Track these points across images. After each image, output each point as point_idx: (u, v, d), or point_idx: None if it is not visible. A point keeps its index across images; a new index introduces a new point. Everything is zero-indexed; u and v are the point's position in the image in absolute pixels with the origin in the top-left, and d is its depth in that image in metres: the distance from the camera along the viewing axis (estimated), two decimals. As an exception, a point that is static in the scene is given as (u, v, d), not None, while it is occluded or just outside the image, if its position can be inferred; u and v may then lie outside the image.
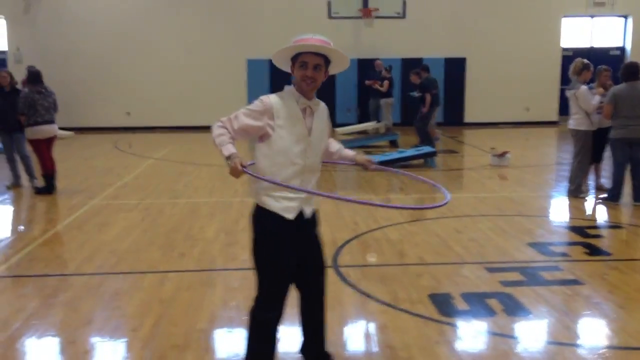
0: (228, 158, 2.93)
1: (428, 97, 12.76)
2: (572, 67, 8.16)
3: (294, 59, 3.05)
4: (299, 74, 3.02)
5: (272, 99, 3.04)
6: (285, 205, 3.06)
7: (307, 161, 3.09)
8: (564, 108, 18.29)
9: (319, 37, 3.01)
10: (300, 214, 3.12)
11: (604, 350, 3.83)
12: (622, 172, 7.68)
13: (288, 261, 3.13)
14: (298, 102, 3.06)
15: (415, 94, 13.12)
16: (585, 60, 8.15)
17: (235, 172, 2.92)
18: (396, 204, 4.77)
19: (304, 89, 3.04)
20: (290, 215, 3.07)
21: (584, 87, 7.96)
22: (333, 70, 3.15)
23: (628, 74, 7.61)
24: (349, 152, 3.49)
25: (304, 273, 3.27)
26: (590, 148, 8.11)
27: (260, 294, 3.17)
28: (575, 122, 8.12)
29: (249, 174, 2.96)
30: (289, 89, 3.10)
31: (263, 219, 3.09)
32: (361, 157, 3.50)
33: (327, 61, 3.06)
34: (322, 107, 3.20)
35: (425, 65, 13.91)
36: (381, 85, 15.35)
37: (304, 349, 3.51)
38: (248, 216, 3.24)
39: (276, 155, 3.01)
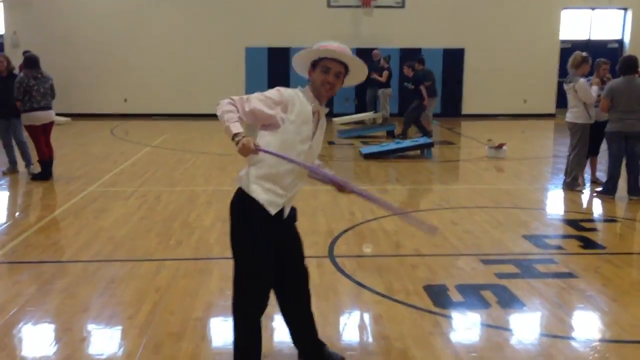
0: (236, 135, 2.85)
1: (423, 89, 12.77)
2: (570, 60, 8.15)
3: (315, 63, 3.07)
4: (319, 78, 3.04)
5: (289, 92, 3.04)
6: (271, 199, 3.03)
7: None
8: (561, 100, 18.36)
9: (344, 46, 3.05)
10: (280, 213, 3.10)
11: (597, 343, 3.87)
12: (617, 165, 7.70)
13: (269, 253, 3.10)
14: (311, 104, 3.07)
15: (410, 85, 13.11)
16: (584, 53, 8.15)
17: (247, 150, 2.83)
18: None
19: (322, 94, 3.07)
20: (273, 210, 3.04)
21: (582, 80, 7.96)
22: (349, 81, 3.17)
23: (625, 68, 7.63)
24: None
25: (285, 267, 3.27)
26: (587, 141, 8.13)
27: (242, 286, 3.13)
28: (573, 115, 8.13)
29: (265, 151, 2.89)
30: (303, 89, 3.11)
31: (247, 207, 3.04)
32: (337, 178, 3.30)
33: (346, 70, 3.09)
34: (324, 117, 3.22)
35: (421, 58, 13.91)
36: (380, 75, 15.32)
37: (297, 341, 3.50)
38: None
39: (278, 148, 2.98)
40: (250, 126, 3.05)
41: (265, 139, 3.01)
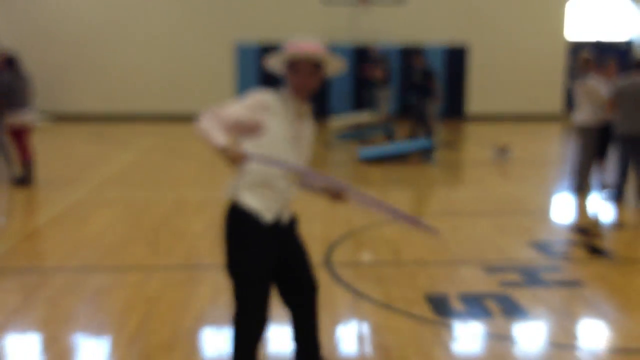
0: (222, 148, 2.82)
1: (432, 83, 12.85)
2: (577, 61, 8.26)
3: (288, 63, 3.07)
4: (293, 80, 3.06)
5: (268, 96, 3.06)
6: (266, 205, 3.06)
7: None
8: (568, 101, 18.45)
9: (313, 41, 3.04)
10: (278, 220, 3.13)
11: (603, 353, 3.94)
12: (625, 169, 7.78)
13: (266, 266, 3.11)
14: (292, 105, 3.10)
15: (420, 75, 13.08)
16: (590, 53, 8.26)
17: (238, 159, 2.83)
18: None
19: (297, 94, 3.08)
20: (269, 215, 3.07)
21: (593, 80, 8.06)
22: (329, 72, 3.18)
23: (632, 66, 7.75)
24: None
25: (291, 281, 3.29)
26: (595, 144, 8.21)
27: (242, 301, 3.13)
28: (581, 116, 8.22)
29: (256, 157, 2.90)
30: (283, 90, 3.13)
31: (241, 220, 3.07)
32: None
33: (320, 64, 3.08)
34: (308, 115, 3.23)
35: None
36: (375, 68, 15.32)
37: (298, 356, 3.49)
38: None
39: (265, 153, 3.00)
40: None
41: (248, 147, 3.01)
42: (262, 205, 3.06)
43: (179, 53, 17.59)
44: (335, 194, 3.25)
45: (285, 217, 3.19)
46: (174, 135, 14.52)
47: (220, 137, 2.84)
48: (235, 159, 2.83)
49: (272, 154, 2.99)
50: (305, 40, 3.04)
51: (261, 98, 3.03)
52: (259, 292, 3.12)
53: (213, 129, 2.87)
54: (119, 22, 17.44)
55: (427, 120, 13.21)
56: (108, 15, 17.39)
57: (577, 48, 18.52)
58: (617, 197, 7.84)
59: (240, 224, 3.07)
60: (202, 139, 2.90)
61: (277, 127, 3.03)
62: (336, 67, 3.16)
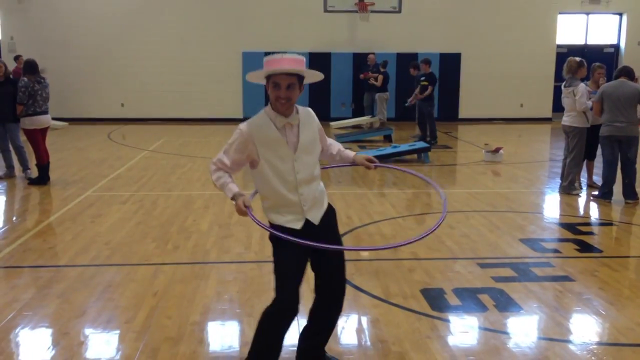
0: (232, 199, 3.09)
1: (430, 90, 12.87)
2: (566, 66, 8.20)
3: (267, 79, 3.07)
4: (273, 95, 3.05)
5: (249, 127, 3.09)
6: (288, 219, 3.15)
7: (299, 176, 3.11)
8: (557, 105, 18.40)
9: (290, 56, 3.04)
10: (308, 222, 3.16)
11: (594, 346, 3.87)
12: (612, 169, 7.72)
13: (293, 264, 3.14)
14: (276, 122, 3.08)
15: (424, 82, 13.09)
16: (578, 58, 8.21)
17: (241, 212, 3.07)
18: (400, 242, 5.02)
19: (280, 109, 3.07)
20: (297, 226, 3.14)
21: (582, 85, 8.01)
22: (308, 81, 3.18)
23: (618, 73, 7.71)
24: (349, 153, 3.47)
25: (322, 277, 3.31)
26: (584, 145, 8.15)
27: (275, 294, 3.19)
28: (570, 118, 8.16)
29: (252, 218, 3.05)
30: (264, 110, 3.13)
31: (274, 226, 3.18)
32: (360, 157, 3.44)
33: (300, 78, 3.08)
34: (306, 116, 3.19)
35: (426, 60, 13.92)
36: (375, 80, 15.36)
37: (304, 339, 3.47)
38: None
39: (268, 178, 3.10)
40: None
41: (256, 176, 3.19)
42: (285, 220, 3.16)
43: (190, 61, 17.59)
44: (365, 163, 3.41)
45: (316, 217, 3.20)
46: (184, 137, 14.48)
47: (228, 188, 3.13)
48: (238, 212, 3.09)
49: (277, 176, 3.10)
50: (284, 56, 3.04)
51: (242, 132, 3.10)
52: (287, 285, 3.14)
53: (223, 181, 3.16)
54: (134, 31, 17.46)
55: (433, 121, 13.24)
56: (123, 25, 17.39)
57: (566, 53, 18.53)
58: (606, 195, 7.78)
59: (275, 229, 3.15)
60: (218, 189, 3.21)
61: (267, 153, 3.09)
62: (314, 77, 3.19)
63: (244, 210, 3.04)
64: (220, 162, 3.16)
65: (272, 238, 3.21)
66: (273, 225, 3.18)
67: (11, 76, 9.27)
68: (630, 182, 7.67)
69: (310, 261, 3.27)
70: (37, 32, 17.28)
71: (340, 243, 3.42)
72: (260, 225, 3.05)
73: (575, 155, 8.16)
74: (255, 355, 3.25)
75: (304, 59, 3.08)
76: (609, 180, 7.75)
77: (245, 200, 3.06)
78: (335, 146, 3.47)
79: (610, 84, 7.68)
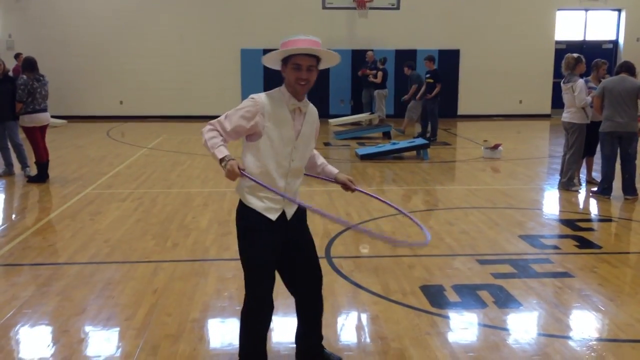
0: (222, 160, 2.89)
1: (438, 87, 12.98)
2: (564, 63, 8.21)
3: (285, 60, 3.01)
4: (292, 76, 2.99)
5: (263, 98, 3.01)
6: (268, 206, 3.07)
7: (293, 164, 3.09)
8: (556, 101, 18.40)
9: (310, 38, 2.98)
10: (283, 215, 3.12)
11: (593, 342, 3.87)
12: (611, 165, 7.72)
13: (269, 256, 3.11)
14: (288, 103, 3.03)
15: (429, 79, 13.17)
16: (576, 54, 8.21)
17: (232, 175, 2.87)
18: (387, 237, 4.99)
19: (298, 90, 3.02)
20: (272, 216, 3.08)
21: (581, 80, 8.01)
22: (322, 66, 3.13)
23: (619, 68, 7.70)
24: (332, 169, 3.39)
25: (297, 272, 3.28)
26: (583, 142, 8.15)
27: (247, 290, 3.17)
28: (570, 115, 8.15)
29: (247, 176, 2.93)
30: (279, 89, 3.07)
31: (246, 215, 3.10)
32: (342, 176, 3.36)
33: (317, 60, 3.04)
34: (312, 111, 3.17)
35: (431, 56, 13.91)
36: (375, 77, 15.35)
37: (299, 339, 3.50)
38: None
39: (263, 156, 3.01)
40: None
41: (249, 150, 3.05)
42: (264, 207, 3.07)
43: (189, 58, 17.57)
44: (347, 182, 3.32)
45: (290, 212, 3.16)
46: (183, 134, 14.47)
47: (219, 150, 2.92)
48: (229, 174, 2.88)
49: (273, 156, 3.01)
50: (303, 37, 2.98)
51: (256, 102, 2.99)
52: (263, 279, 3.13)
53: (214, 142, 2.94)
54: (133, 29, 17.43)
55: (435, 119, 13.30)
56: (122, 22, 17.36)
57: (565, 49, 18.52)
58: (606, 191, 7.78)
59: (247, 219, 3.10)
60: (205, 149, 2.98)
61: (273, 130, 3.00)
62: (330, 60, 3.11)
63: (236, 172, 2.85)
64: (220, 124, 2.99)
65: (242, 229, 3.12)
66: (247, 207, 3.07)
67: (10, 74, 9.25)
68: (630, 178, 7.67)
69: (281, 260, 3.21)
70: (36, 30, 17.24)
71: (312, 239, 3.35)
72: (262, 185, 2.92)
73: (574, 152, 8.16)
74: (245, 354, 3.23)
75: (320, 41, 3.01)
76: (608, 176, 7.75)
77: (239, 162, 2.90)
78: (320, 158, 3.41)
79: (611, 80, 7.67)
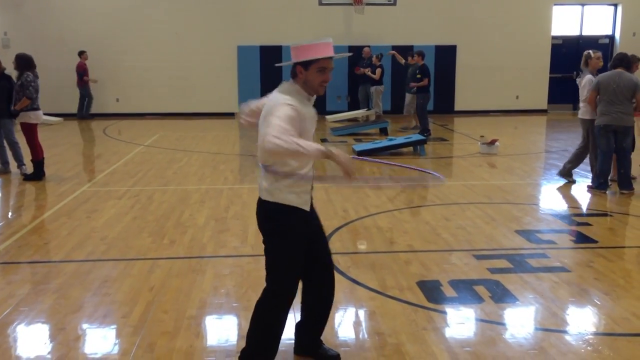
0: (326, 155, 2.89)
1: (426, 82, 12.96)
2: (583, 58, 8.28)
3: (306, 64, 3.07)
4: (318, 79, 3.09)
5: (296, 103, 3.03)
6: (305, 199, 3.20)
7: None
8: (553, 96, 18.42)
9: (330, 41, 3.13)
10: (310, 204, 3.28)
11: (590, 336, 3.88)
12: (607, 160, 7.72)
13: (302, 256, 3.25)
14: (309, 100, 3.18)
15: (418, 75, 13.15)
16: (586, 52, 8.23)
17: (350, 165, 2.95)
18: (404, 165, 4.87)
19: (320, 91, 3.14)
20: (307, 207, 3.22)
21: (588, 76, 8.02)
22: None
23: (615, 62, 7.70)
24: None
25: (317, 261, 3.37)
26: (592, 137, 8.09)
27: (275, 287, 3.24)
28: (581, 110, 8.19)
29: (376, 161, 3.04)
30: (294, 88, 3.12)
31: (285, 216, 3.15)
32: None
33: None
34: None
35: (421, 52, 13.96)
36: (373, 73, 15.35)
37: (300, 330, 3.58)
38: (259, 215, 3.28)
39: None
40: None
41: None
42: (301, 201, 3.18)
43: (186, 55, 17.52)
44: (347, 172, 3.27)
45: (312, 202, 3.32)
46: (179, 131, 14.45)
47: (317, 147, 2.87)
48: (349, 168, 2.94)
49: None
50: (324, 41, 3.11)
51: (297, 110, 3.00)
52: (298, 279, 3.29)
53: (299, 139, 2.86)
54: (129, 26, 17.36)
55: (423, 114, 13.28)
56: (118, 19, 17.30)
57: (561, 44, 18.52)
58: (602, 186, 7.78)
59: (287, 217, 3.16)
60: (292, 155, 2.88)
61: (305, 127, 3.09)
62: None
63: (352, 165, 2.93)
64: (288, 131, 2.87)
65: (281, 228, 3.15)
66: (285, 207, 3.11)
67: (7, 72, 9.22)
68: (625, 172, 7.68)
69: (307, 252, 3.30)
70: (32, 27, 17.18)
71: (322, 226, 3.50)
72: (400, 166, 2.97)
73: (582, 146, 8.17)
74: (258, 350, 3.27)
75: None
76: (603, 170, 7.75)
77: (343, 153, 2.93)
78: None
79: (607, 74, 7.66)
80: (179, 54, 17.49)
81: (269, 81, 15.97)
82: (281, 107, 2.97)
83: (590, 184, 8.07)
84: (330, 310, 3.55)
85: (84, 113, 16.99)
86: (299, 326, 3.59)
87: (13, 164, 9.27)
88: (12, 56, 9.05)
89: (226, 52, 17.50)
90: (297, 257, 3.22)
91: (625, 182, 7.70)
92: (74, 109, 17.13)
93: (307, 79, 3.10)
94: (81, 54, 16.69)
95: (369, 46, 16.37)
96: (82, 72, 16.66)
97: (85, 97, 16.97)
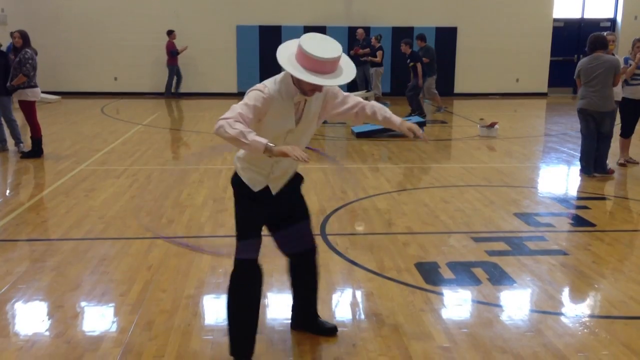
0: (266, 149, 2.77)
1: (419, 67, 12.83)
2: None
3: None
4: (309, 87, 2.96)
5: (272, 91, 2.98)
6: (254, 177, 3.17)
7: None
8: (553, 79, 18.35)
9: (334, 57, 2.90)
10: (267, 190, 3.20)
11: (586, 319, 3.90)
12: (587, 143, 7.70)
13: (255, 222, 3.23)
14: (294, 97, 3.04)
15: (408, 62, 13.12)
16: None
17: (299, 154, 2.75)
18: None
19: (306, 94, 3.01)
20: (256, 188, 3.17)
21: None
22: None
23: (591, 45, 7.59)
24: (395, 119, 3.30)
25: (288, 239, 3.38)
26: (613, 120, 8.00)
27: (236, 250, 3.26)
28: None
29: (323, 154, 3.00)
30: (286, 81, 3.03)
31: (238, 185, 3.24)
32: (405, 126, 3.27)
33: None
34: (317, 99, 3.15)
35: (422, 35, 13.89)
36: (373, 55, 15.28)
37: (295, 308, 3.64)
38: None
39: (260, 133, 2.97)
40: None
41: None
42: (249, 178, 3.18)
43: (185, 34, 17.36)
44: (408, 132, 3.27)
45: (277, 187, 3.24)
46: (178, 111, 14.39)
47: (259, 140, 2.78)
48: (297, 154, 2.74)
49: (271, 134, 2.99)
50: (322, 58, 2.86)
51: (265, 96, 2.96)
52: (249, 232, 3.23)
53: (247, 130, 2.80)
54: (127, 4, 17.20)
55: (413, 99, 13.21)
56: (113, -4, 17.15)
57: (562, 27, 18.42)
58: (584, 169, 7.77)
59: (237, 189, 3.25)
60: (234, 142, 2.82)
61: (273, 119, 3.02)
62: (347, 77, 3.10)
63: (304, 154, 2.74)
64: (242, 115, 2.86)
65: (235, 195, 3.24)
66: (238, 179, 3.21)
67: (0, 48, 9.16)
68: (600, 155, 7.68)
69: (272, 225, 3.36)
70: (29, 4, 17.02)
71: (306, 207, 3.45)
72: (330, 158, 2.94)
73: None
74: (234, 324, 3.27)
75: (341, 47, 2.98)
76: (585, 153, 7.74)
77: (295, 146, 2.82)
78: (372, 107, 3.28)
79: (586, 60, 7.60)
80: (177, 33, 17.33)
81: (268, 61, 15.88)
82: (252, 91, 2.99)
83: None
84: (317, 291, 3.60)
85: (175, 91, 16.84)
86: (293, 306, 3.67)
87: (11, 142, 9.24)
88: (8, 33, 8.99)
89: (225, 32, 17.37)
90: (245, 227, 3.21)
91: (600, 166, 7.71)
92: (71, 87, 17.04)
93: (298, 82, 2.99)
94: (170, 33, 16.48)
95: (362, 28, 16.26)
96: (173, 51, 16.47)
97: (174, 75, 16.83)
